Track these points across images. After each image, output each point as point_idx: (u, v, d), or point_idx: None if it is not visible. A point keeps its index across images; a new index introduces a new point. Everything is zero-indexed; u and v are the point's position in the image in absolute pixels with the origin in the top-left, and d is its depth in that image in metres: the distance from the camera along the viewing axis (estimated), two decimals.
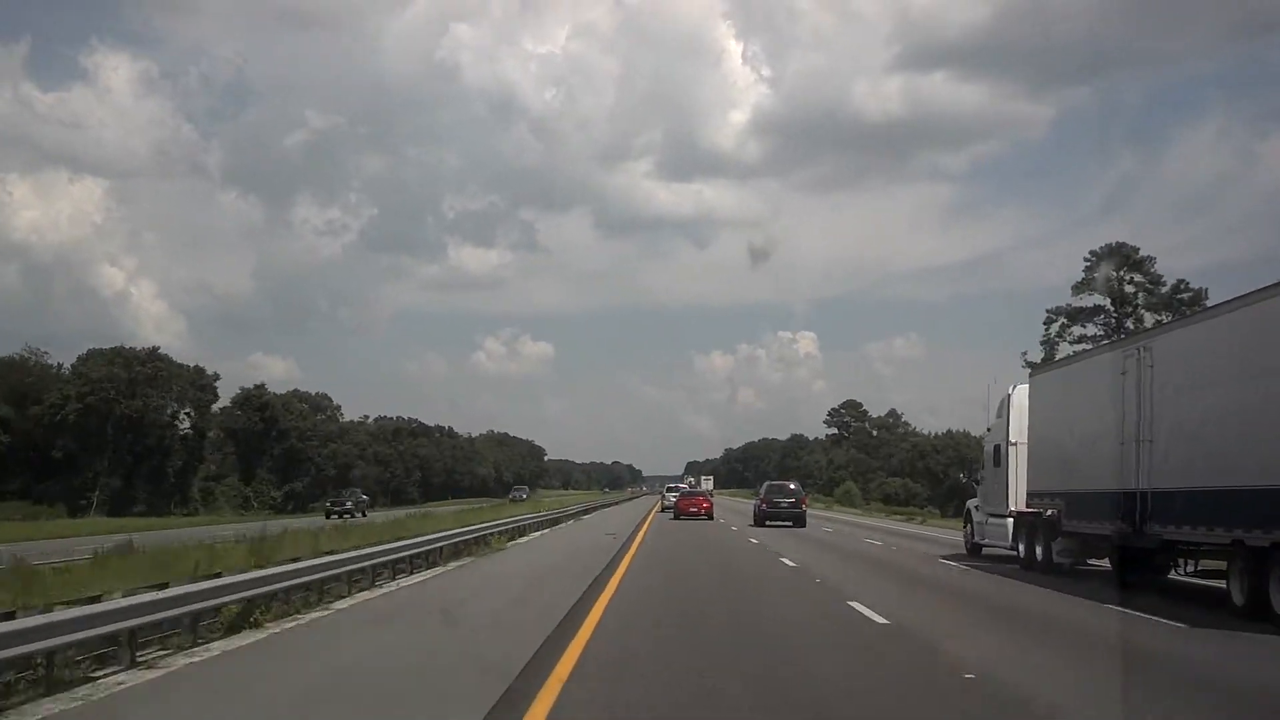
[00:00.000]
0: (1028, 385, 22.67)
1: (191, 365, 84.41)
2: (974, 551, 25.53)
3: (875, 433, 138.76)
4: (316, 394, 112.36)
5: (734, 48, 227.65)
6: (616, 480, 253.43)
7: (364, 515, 54.97)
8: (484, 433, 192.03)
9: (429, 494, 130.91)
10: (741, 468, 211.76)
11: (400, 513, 45.52)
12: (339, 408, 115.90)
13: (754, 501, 51.48)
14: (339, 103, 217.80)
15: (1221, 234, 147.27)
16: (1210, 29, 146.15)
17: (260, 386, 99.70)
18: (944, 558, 25.79)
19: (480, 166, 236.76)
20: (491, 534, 27.61)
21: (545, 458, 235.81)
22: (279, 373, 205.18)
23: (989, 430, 25.18)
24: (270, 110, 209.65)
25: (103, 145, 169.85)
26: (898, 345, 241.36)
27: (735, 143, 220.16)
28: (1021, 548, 21.78)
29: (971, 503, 26.41)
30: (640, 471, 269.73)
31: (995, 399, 24.99)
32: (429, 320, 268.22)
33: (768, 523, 42.64)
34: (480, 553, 24.49)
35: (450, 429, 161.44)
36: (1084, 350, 19.81)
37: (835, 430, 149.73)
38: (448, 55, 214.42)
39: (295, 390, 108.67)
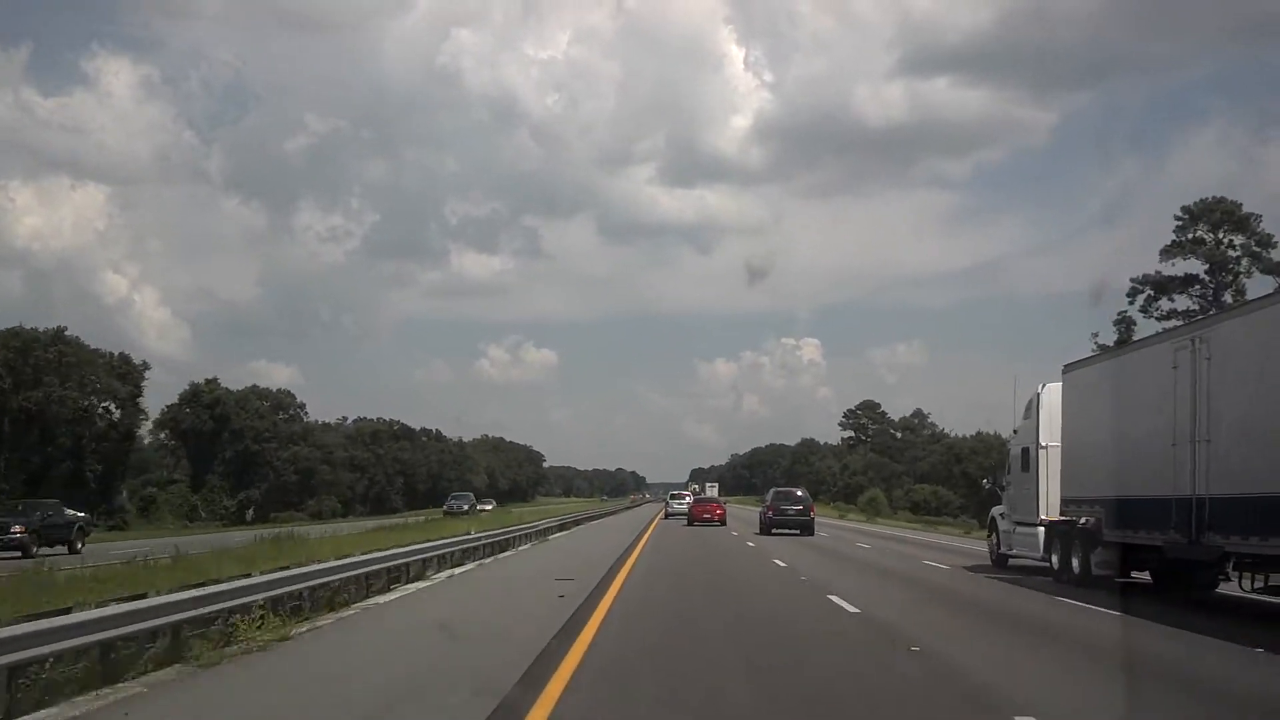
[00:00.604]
0: (1060, 383, 20.93)
1: (115, 353, 70.68)
2: (1000, 563, 23.82)
3: (899, 435, 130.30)
4: (279, 390, 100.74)
5: (735, 53, 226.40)
6: (620, 487, 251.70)
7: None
8: (478, 437, 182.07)
9: (414, 501, 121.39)
10: (749, 474, 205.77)
11: (322, 528, 32.75)
12: (303, 406, 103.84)
13: (759, 509, 49.75)
14: (340, 107, 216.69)
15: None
16: (1212, 32, 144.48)
17: (212, 381, 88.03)
18: (968, 568, 24.13)
19: (483, 172, 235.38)
20: (343, 579, 15.00)
21: (545, 464, 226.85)
22: (282, 380, 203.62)
23: (1015, 432, 23.49)
24: (271, 115, 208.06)
25: (104, 151, 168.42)
26: (901, 352, 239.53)
27: (737, 148, 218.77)
28: (1055, 559, 20.07)
29: (997, 510, 24.69)
30: (644, 478, 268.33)
31: (1022, 399, 23.33)
32: (432, 327, 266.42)
33: (774, 531, 41.01)
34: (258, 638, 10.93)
35: (438, 432, 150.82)
36: (1126, 344, 17.88)
37: (851, 433, 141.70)
38: (449, 60, 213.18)
39: (254, 386, 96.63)
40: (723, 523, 48.90)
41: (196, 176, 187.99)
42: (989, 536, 25.08)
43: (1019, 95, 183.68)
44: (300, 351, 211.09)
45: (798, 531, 40.98)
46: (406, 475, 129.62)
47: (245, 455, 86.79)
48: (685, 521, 51.23)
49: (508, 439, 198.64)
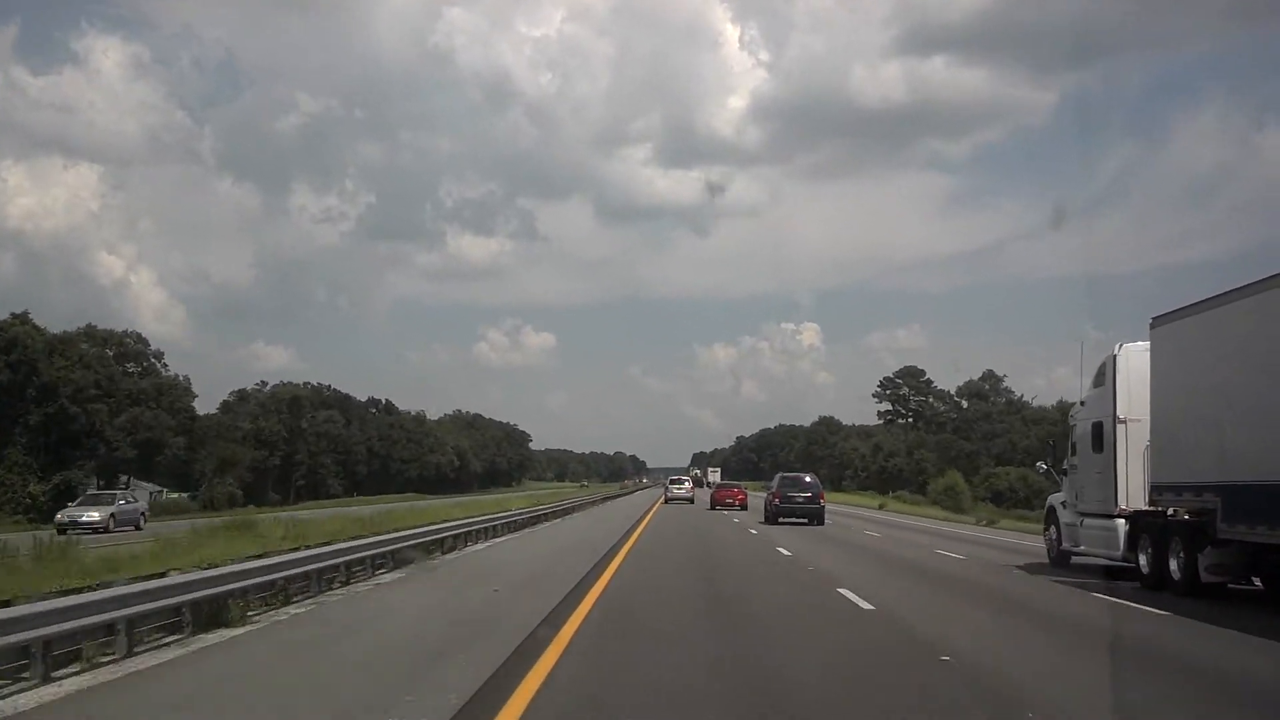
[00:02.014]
0: (1144, 343, 16.93)
1: None
2: (1060, 561, 19.85)
3: (965, 404, 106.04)
4: (125, 332, 77.76)
5: (731, 31, 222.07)
6: (618, 471, 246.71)
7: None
8: (451, 413, 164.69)
9: (361, 487, 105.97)
10: (755, 458, 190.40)
11: None
12: (161, 355, 78.82)
13: (764, 495, 45.88)
14: (333, 87, 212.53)
15: (1223, 222, 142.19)
16: (1212, 11, 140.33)
17: (22, 316, 64.54)
18: (1019, 567, 20.19)
19: (478, 153, 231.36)
20: None
21: (531, 445, 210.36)
22: (280, 362, 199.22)
23: (1081, 404, 19.44)
24: (263, 95, 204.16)
25: (95, 130, 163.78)
26: (901, 336, 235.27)
27: (734, 129, 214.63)
28: (1143, 560, 16.12)
29: (1056, 498, 20.68)
30: (644, 463, 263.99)
31: (1091, 363, 19.34)
32: (429, 310, 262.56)
33: (781, 520, 37.11)
34: None
35: (388, 403, 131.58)
36: (1237, 289, 13.84)
37: (889, 406, 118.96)
38: (442, 40, 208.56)
39: (88, 327, 72.68)
40: (744, 507, 50.29)
41: (189, 157, 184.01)
42: (1046, 530, 21.05)
43: (1017, 75, 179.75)
44: (297, 334, 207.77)
45: (806, 521, 37.17)
46: (343, 453, 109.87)
47: (59, 420, 63.21)
48: (687, 504, 57.49)
49: (487, 416, 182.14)
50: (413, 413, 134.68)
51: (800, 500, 38.45)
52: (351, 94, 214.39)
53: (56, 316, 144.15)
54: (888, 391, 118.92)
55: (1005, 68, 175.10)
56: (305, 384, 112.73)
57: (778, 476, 42.85)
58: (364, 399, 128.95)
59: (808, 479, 41.20)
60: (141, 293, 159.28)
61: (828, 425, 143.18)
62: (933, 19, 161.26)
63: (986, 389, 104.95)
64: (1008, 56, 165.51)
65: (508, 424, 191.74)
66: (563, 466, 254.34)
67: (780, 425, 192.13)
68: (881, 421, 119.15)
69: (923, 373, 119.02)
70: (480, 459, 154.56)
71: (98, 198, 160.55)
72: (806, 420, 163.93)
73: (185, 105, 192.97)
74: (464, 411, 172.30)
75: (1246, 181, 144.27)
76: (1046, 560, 20.52)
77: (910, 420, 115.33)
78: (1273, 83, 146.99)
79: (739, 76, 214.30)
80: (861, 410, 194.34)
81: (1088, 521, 18.53)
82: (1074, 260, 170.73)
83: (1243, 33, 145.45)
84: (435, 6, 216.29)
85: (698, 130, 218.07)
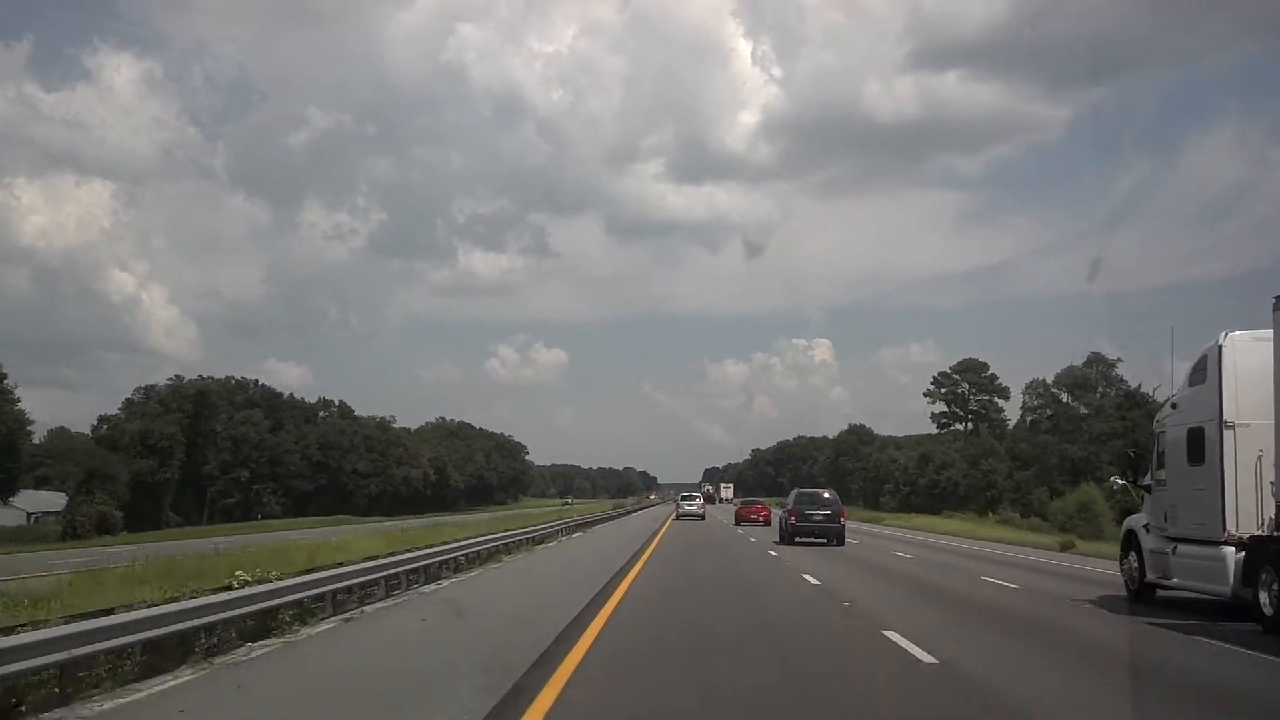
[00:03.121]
0: (1260, 331, 13.73)
1: None
2: (1143, 595, 16.54)
3: (1066, 398, 77.69)
4: None
5: (743, 47, 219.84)
6: (627, 487, 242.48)
7: None
8: (433, 421, 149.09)
9: (306, 506, 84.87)
10: (774, 471, 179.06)
11: None
12: None
13: (780, 513, 42.66)
14: (345, 104, 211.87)
15: (1240, 240, 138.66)
16: (1231, 27, 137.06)
17: None
18: (1091, 601, 16.95)
19: (489, 169, 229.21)
20: None
21: (528, 456, 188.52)
22: (293, 379, 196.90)
23: (1174, 407, 16.13)
24: (275, 111, 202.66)
25: (106, 147, 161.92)
26: (914, 351, 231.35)
27: (746, 145, 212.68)
28: (1265, 598, 12.88)
29: (1136, 520, 17.38)
30: (655, 479, 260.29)
31: (1185, 356, 16.09)
32: (440, 327, 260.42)
33: (798, 540, 33.98)
34: None
35: (342, 405, 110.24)
36: None
37: (943, 408, 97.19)
38: (453, 56, 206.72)
39: None
40: (767, 523, 51.65)
41: (201, 173, 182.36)
42: (1123, 558, 17.66)
43: (1032, 90, 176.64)
44: (309, 351, 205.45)
45: (824, 541, 34.01)
46: (272, 464, 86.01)
47: None
48: (699, 519, 60.78)
49: (472, 425, 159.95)
50: (376, 418, 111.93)
51: (819, 519, 35.35)
52: (363, 110, 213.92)
53: (70, 334, 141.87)
54: (942, 390, 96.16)
55: (1020, 83, 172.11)
56: (228, 379, 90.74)
57: (794, 493, 39.57)
58: (314, 400, 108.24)
59: (826, 495, 38.10)
60: (153, 310, 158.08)
61: (858, 435, 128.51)
62: (946, 33, 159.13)
63: (1091, 375, 76.25)
64: (1022, 72, 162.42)
65: (500, 435, 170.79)
66: (569, 482, 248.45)
67: (800, 437, 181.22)
68: (935, 428, 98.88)
69: (985, 366, 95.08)
70: (464, 473, 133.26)
71: (110, 214, 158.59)
72: (821, 434, 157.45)
73: (197, 121, 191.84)
74: (448, 419, 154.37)
75: (1264, 197, 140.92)
76: (1124, 593, 17.21)
77: (969, 424, 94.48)
78: None
79: (751, 92, 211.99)
80: (881, 423, 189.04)
81: (1182, 549, 15.24)
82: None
83: (1263, 49, 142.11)
84: (447, 23, 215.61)
85: (709, 146, 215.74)
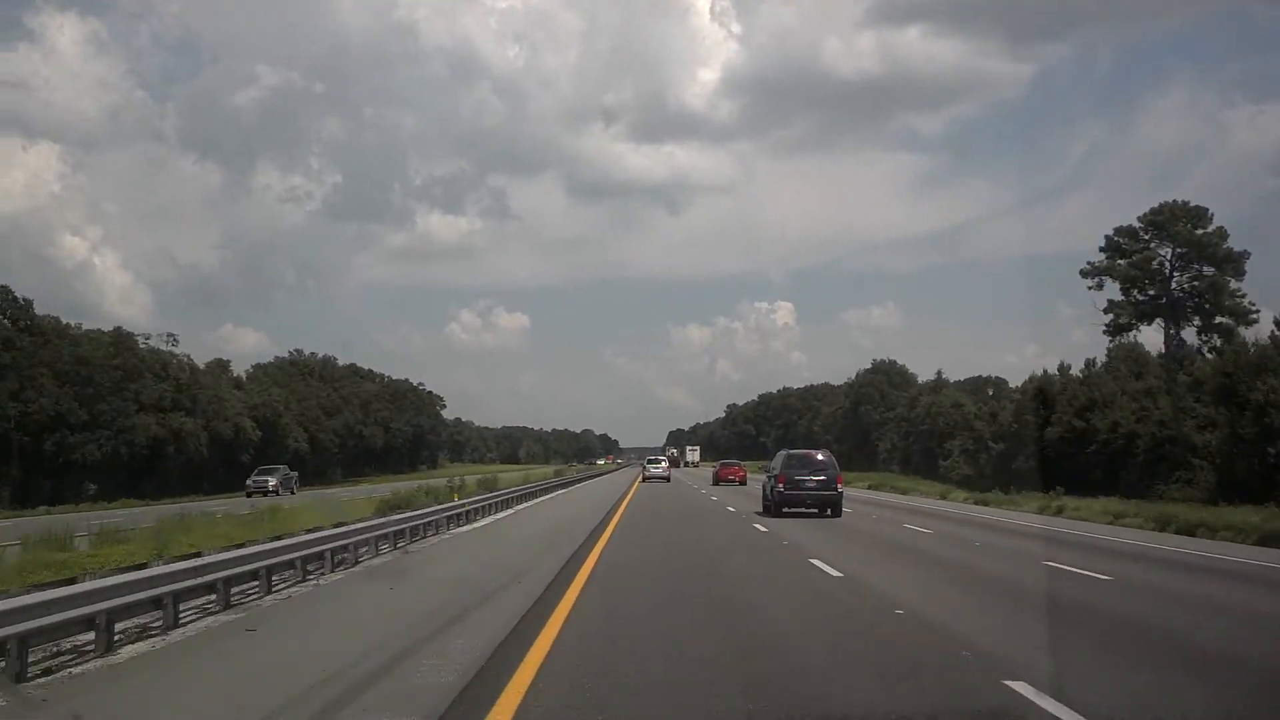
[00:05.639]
0: None
1: None
2: None
3: (1198, 340, 52.22)
4: None
5: (701, 3, 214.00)
6: (585, 450, 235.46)
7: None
8: (271, 359, 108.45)
9: (119, 484, 53.28)
10: (754, 430, 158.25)
11: None
12: None
13: (763, 480, 37.54)
14: (294, 62, 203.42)
15: (1194, 199, 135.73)
16: None
17: None
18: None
19: (445, 129, 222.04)
20: None
21: (443, 411, 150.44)
22: (250, 345, 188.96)
23: None
24: (224, 72, 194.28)
25: (53, 109, 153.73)
26: (875, 314, 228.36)
27: (706, 103, 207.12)
28: None
29: None
30: (617, 442, 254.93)
31: None
32: (399, 291, 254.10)
33: (786, 510, 29.30)
34: None
35: (176, 337, 71.57)
36: None
37: (1119, 295, 57.15)
38: (405, 13, 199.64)
39: None
40: (743, 483, 55.97)
41: (151, 135, 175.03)
42: None
43: (993, 45, 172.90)
44: (266, 317, 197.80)
45: (818, 511, 29.39)
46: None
47: None
48: (666, 482, 65.82)
49: (374, 370, 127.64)
50: (146, 341, 68.52)
51: (812, 485, 30.08)
52: (314, 70, 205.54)
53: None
54: (1132, 253, 55.24)
55: (980, 38, 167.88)
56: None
57: (781, 455, 34.02)
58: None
59: (820, 457, 32.45)
60: (106, 275, 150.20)
61: (888, 375, 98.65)
62: None
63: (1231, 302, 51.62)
64: (984, 25, 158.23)
65: (404, 381, 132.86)
66: (514, 445, 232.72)
67: (784, 389, 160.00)
68: (1106, 332, 56.84)
69: (1209, 216, 55.68)
70: (324, 429, 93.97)
71: (59, 178, 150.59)
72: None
73: (146, 84, 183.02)
74: (303, 352, 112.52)
75: (1217, 159, 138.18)
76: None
77: (1176, 326, 55.32)
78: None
79: (710, 48, 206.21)
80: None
81: None
82: (1051, 237, 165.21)
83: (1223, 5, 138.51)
84: None
85: (669, 104, 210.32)
